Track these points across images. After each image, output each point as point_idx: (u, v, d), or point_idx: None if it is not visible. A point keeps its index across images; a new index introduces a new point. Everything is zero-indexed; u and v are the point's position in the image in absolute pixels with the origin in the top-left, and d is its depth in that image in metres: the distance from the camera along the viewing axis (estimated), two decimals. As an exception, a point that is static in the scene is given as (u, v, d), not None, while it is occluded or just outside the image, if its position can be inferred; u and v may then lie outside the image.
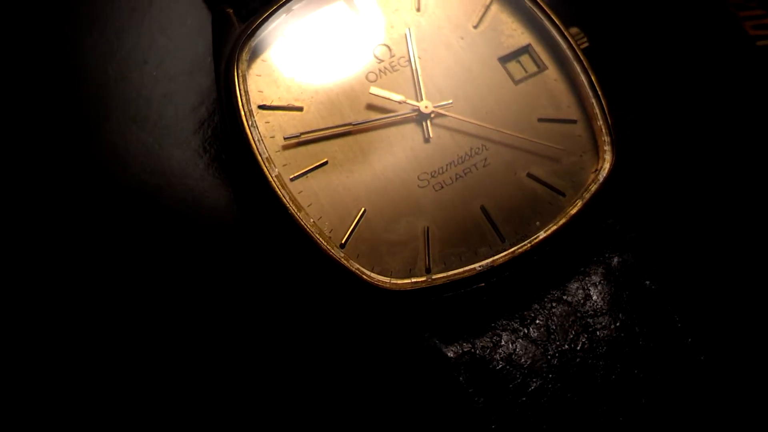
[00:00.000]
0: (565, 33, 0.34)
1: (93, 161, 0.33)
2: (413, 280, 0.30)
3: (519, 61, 0.34)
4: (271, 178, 0.30)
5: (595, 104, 0.33)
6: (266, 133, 0.31)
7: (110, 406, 0.32)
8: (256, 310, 0.32)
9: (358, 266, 0.30)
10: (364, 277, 0.30)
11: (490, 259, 0.31)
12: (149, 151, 0.33)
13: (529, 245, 0.31)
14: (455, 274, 0.30)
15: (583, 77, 0.33)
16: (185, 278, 0.33)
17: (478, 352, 0.30)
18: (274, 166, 0.31)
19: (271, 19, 0.32)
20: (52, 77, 0.34)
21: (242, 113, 0.31)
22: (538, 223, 0.31)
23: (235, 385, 0.32)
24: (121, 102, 0.33)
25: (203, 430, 0.31)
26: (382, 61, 0.33)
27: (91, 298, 0.32)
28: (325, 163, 0.31)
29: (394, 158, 0.32)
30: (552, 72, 0.34)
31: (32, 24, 0.35)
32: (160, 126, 0.33)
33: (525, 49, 0.34)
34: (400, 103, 0.32)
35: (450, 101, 0.33)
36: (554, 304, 0.31)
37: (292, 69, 0.32)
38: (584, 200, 0.32)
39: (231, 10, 0.33)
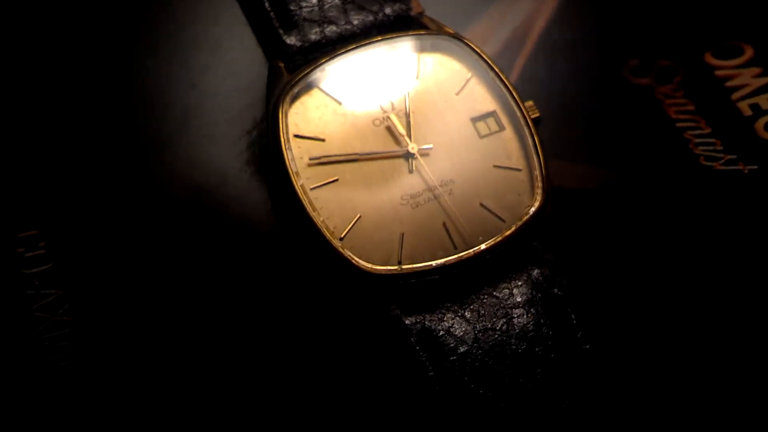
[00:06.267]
0: (521, 105, 0.46)
1: (170, 167, 0.47)
2: (388, 267, 0.43)
3: (485, 122, 0.47)
4: (297, 186, 0.43)
5: (535, 159, 0.45)
6: (297, 154, 0.44)
7: (128, 404, 0.41)
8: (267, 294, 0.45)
9: (350, 254, 0.43)
10: (353, 261, 0.42)
11: (444, 260, 0.43)
12: (213, 159, 0.47)
13: (473, 253, 0.43)
14: (418, 267, 0.42)
15: (530, 139, 0.46)
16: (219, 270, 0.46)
17: (427, 323, 0.42)
18: (300, 178, 0.44)
19: (309, 75, 0.45)
20: (149, 102, 0.48)
21: (282, 139, 0.44)
22: (481, 238, 0.44)
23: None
24: (198, 122, 0.47)
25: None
26: (386, 111, 0.46)
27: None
28: (336, 180, 0.44)
29: (385, 182, 0.44)
30: (509, 132, 0.46)
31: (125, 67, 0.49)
32: (225, 143, 0.47)
33: (491, 114, 0.47)
34: (400, 136, 0.45)
35: (431, 146, 0.46)
36: (486, 297, 0.43)
37: (321, 111, 0.45)
38: (517, 226, 0.44)
39: (282, 64, 0.46)
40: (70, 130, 0.48)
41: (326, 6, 0.47)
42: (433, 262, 0.42)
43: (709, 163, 0.50)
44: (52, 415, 0.40)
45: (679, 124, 0.52)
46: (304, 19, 0.47)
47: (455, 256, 0.43)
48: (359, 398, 0.44)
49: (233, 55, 0.49)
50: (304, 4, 0.47)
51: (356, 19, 0.47)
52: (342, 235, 0.43)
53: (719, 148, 0.51)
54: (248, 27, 0.49)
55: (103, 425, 0.41)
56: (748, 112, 0.52)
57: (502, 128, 0.46)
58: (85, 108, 0.49)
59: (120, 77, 0.50)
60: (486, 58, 0.47)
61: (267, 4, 0.47)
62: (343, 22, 0.47)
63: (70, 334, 0.43)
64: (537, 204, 0.44)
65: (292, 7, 0.47)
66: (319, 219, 0.43)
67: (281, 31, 0.47)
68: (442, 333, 0.42)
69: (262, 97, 0.47)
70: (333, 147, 0.45)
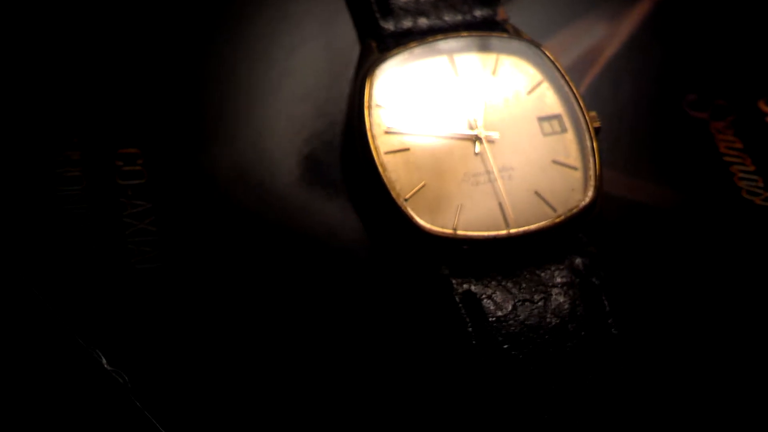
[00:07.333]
0: (585, 114, 0.49)
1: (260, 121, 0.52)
2: (444, 230, 0.47)
3: (550, 123, 0.50)
4: (373, 148, 0.48)
5: (591, 161, 0.49)
6: (377, 121, 0.49)
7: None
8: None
9: (411, 212, 0.47)
10: (413, 219, 0.46)
11: (495, 232, 0.47)
12: (302, 125, 0.53)
13: (522, 232, 0.47)
14: (471, 235, 0.46)
15: (588, 143, 0.50)
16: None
17: (472, 287, 0.45)
18: (377, 140, 0.48)
19: (397, 55, 0.50)
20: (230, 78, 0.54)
21: (366, 105, 0.49)
22: (531, 221, 0.48)
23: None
24: (291, 82, 0.53)
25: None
26: (462, 97, 0.50)
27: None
28: (408, 149, 0.49)
29: (452, 159, 0.48)
30: (570, 135, 0.50)
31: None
32: (308, 105, 0.53)
33: (557, 116, 0.50)
34: (472, 120, 0.49)
35: (497, 134, 0.50)
36: (528, 274, 0.46)
37: (403, 86, 0.50)
38: (565, 216, 0.47)
39: (375, 44, 0.51)
40: (178, 78, 0.54)
41: (421, 1, 0.52)
42: (485, 233, 0.46)
43: (750, 197, 0.54)
44: (121, 307, 0.45)
45: (726, 158, 0.56)
46: (400, 9, 0.52)
47: (505, 231, 0.47)
48: (408, 343, 0.48)
49: (326, 37, 0.55)
50: None
51: (447, 16, 0.52)
52: (407, 197, 0.47)
53: (761, 185, 0.55)
54: (344, 13, 0.54)
55: (166, 325, 0.45)
56: (792, 159, 0.56)
57: (564, 130, 0.50)
58: (189, 60, 0.55)
59: (225, 33, 0.56)
60: (559, 67, 0.51)
61: None
62: (434, 17, 0.52)
63: (153, 242, 0.47)
64: (588, 200, 0.48)
65: (390, -2, 0.52)
66: (387, 178, 0.47)
67: (378, 16, 0.52)
68: (484, 297, 0.46)
69: (338, 76, 0.52)
70: (409, 120, 0.49)
